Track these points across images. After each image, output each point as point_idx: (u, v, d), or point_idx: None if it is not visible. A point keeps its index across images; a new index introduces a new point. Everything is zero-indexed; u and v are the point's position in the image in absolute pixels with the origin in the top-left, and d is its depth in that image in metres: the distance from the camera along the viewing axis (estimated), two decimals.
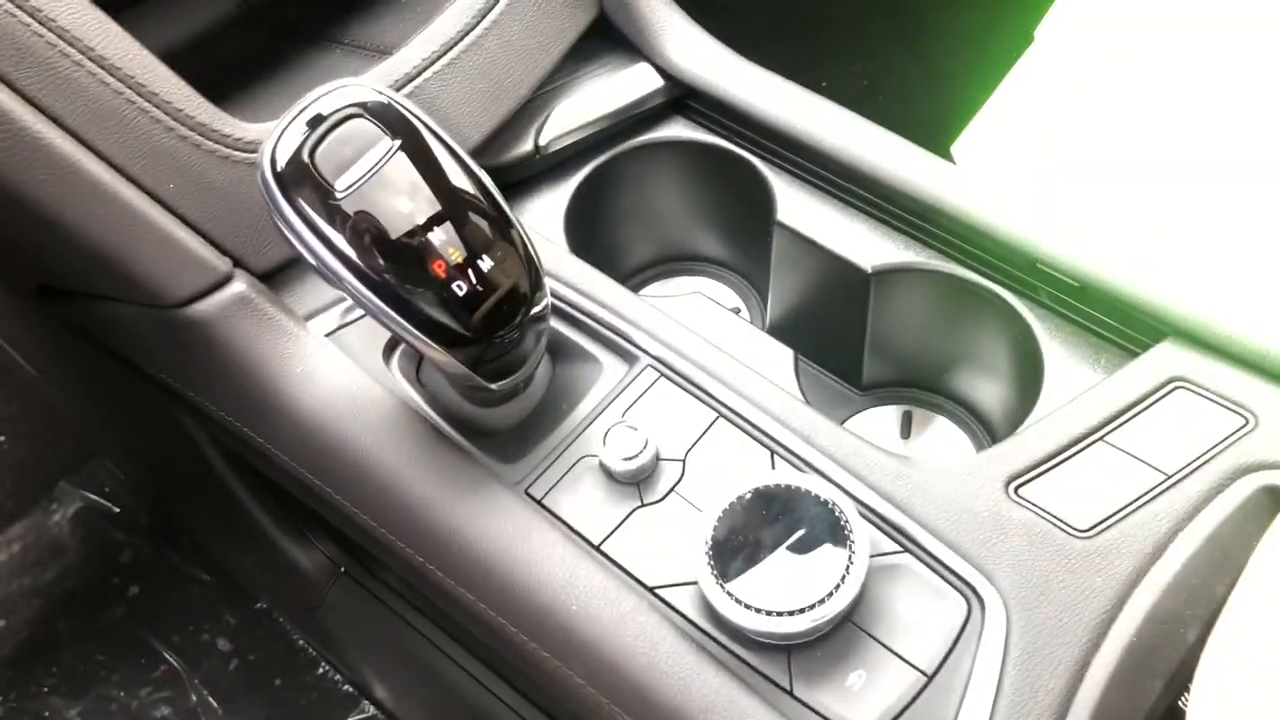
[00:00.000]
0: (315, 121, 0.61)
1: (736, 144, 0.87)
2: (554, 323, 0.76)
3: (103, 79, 0.71)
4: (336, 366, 0.73)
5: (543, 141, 0.85)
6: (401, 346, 0.76)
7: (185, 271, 0.73)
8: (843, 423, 0.72)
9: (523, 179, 0.87)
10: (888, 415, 0.89)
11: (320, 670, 1.34)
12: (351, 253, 0.60)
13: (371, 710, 1.31)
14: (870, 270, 0.80)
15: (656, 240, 0.96)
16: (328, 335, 0.76)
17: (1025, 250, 0.75)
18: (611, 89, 0.88)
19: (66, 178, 0.70)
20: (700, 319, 0.78)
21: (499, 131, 0.84)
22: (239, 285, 0.74)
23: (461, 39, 0.84)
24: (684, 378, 0.72)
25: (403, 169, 0.62)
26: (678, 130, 0.89)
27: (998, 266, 0.78)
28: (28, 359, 1.27)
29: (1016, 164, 1.07)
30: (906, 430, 0.89)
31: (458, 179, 0.63)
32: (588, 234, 0.87)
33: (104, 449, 1.46)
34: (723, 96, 0.86)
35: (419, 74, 0.81)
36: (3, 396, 1.37)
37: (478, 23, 0.84)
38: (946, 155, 1.17)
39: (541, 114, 0.86)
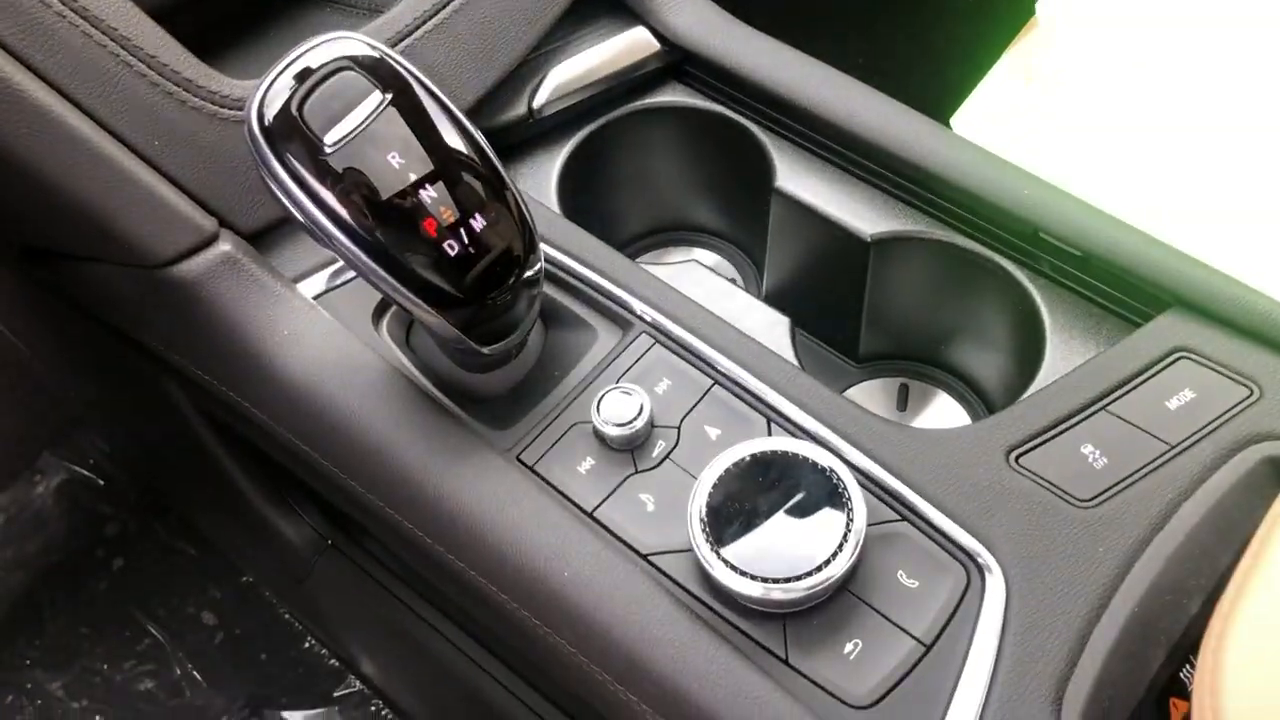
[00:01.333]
0: (303, 75, 0.59)
1: (734, 110, 0.85)
2: (547, 288, 0.74)
3: (86, 31, 0.70)
4: (324, 330, 0.72)
5: (536, 104, 0.83)
6: (391, 310, 0.74)
7: (170, 230, 0.72)
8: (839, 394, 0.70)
9: (515, 143, 0.85)
10: (884, 388, 0.88)
11: (306, 644, 1.33)
12: (341, 210, 0.58)
13: (358, 684, 1.29)
14: (870, 238, 0.79)
15: (651, 209, 0.95)
16: (316, 298, 0.74)
17: (1027, 219, 0.74)
18: (607, 53, 0.86)
19: (48, 131, 0.68)
20: (696, 286, 0.77)
21: (492, 94, 0.83)
22: (225, 245, 0.73)
23: None
24: (679, 344, 0.71)
25: (394, 124, 0.60)
26: (674, 96, 0.87)
27: (999, 236, 0.77)
28: (13, 329, 1.25)
29: (1017, 134, 1.06)
30: (903, 403, 0.88)
31: (451, 136, 0.61)
32: (581, 201, 0.85)
33: (90, 421, 1.44)
34: (720, 61, 0.84)
35: (410, 33, 0.80)
36: None
37: None
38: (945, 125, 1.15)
39: (535, 77, 0.84)
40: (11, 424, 1.38)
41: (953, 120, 1.12)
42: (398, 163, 0.59)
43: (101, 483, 1.42)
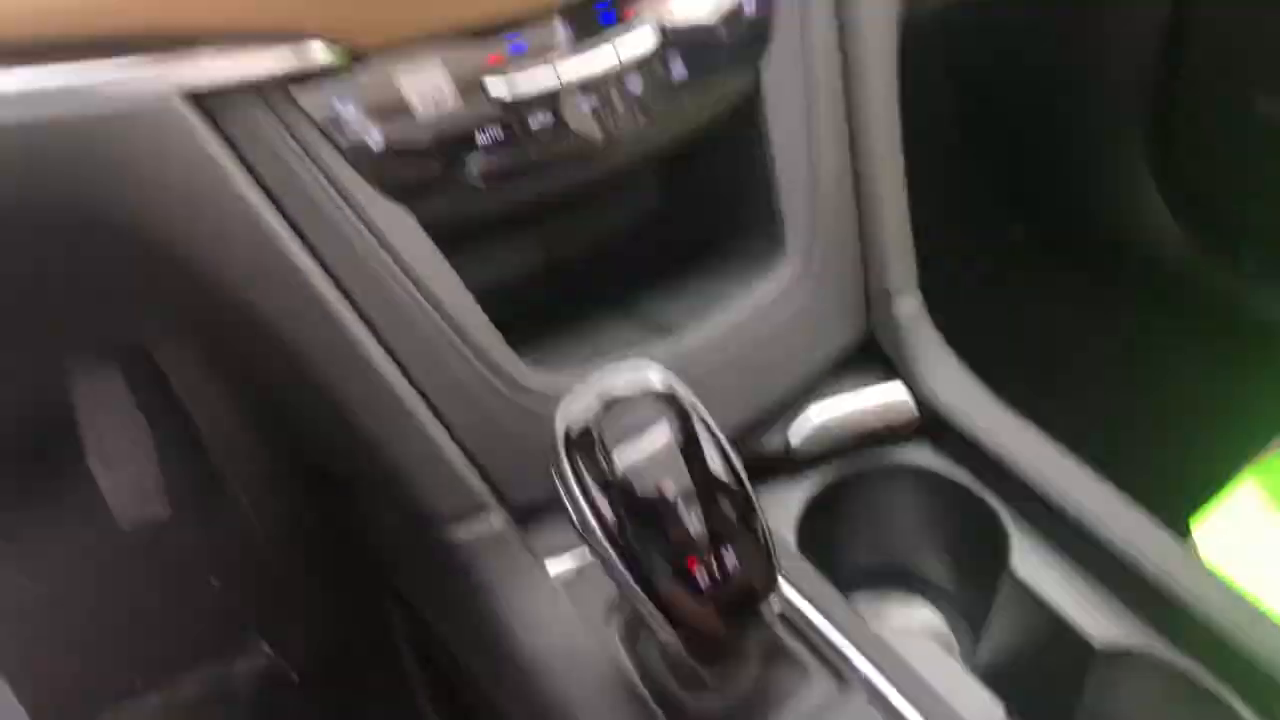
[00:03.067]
0: (606, 397, 0.67)
1: (978, 484, 0.88)
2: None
3: (425, 310, 0.79)
4: (564, 618, 0.76)
5: (795, 443, 0.88)
6: (626, 614, 0.78)
7: (450, 493, 0.79)
8: None
9: (764, 469, 0.90)
10: None
11: None
12: (618, 531, 0.64)
13: None
14: (1098, 647, 0.78)
15: (881, 553, 0.97)
16: (559, 577, 0.79)
17: (1269, 667, 0.72)
18: (865, 402, 0.92)
19: (375, 389, 0.77)
20: (914, 653, 0.78)
21: (751, 422, 0.89)
22: (496, 520, 0.79)
23: (738, 329, 0.89)
24: (895, 713, 0.72)
25: (675, 455, 0.66)
26: (924, 458, 0.91)
27: (1234, 672, 0.75)
28: (260, 517, 1.35)
29: (1259, 556, 1.04)
30: None
31: (720, 471, 0.67)
32: (815, 536, 0.88)
33: (297, 611, 1.51)
34: (970, 434, 0.88)
35: (692, 359, 0.87)
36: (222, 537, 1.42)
37: (756, 318, 0.90)
38: (1185, 532, 1.14)
39: (795, 414, 0.90)
40: (233, 598, 1.45)
41: (1194, 525, 1.11)
42: (670, 491, 0.65)
43: (297, 679, 1.47)
